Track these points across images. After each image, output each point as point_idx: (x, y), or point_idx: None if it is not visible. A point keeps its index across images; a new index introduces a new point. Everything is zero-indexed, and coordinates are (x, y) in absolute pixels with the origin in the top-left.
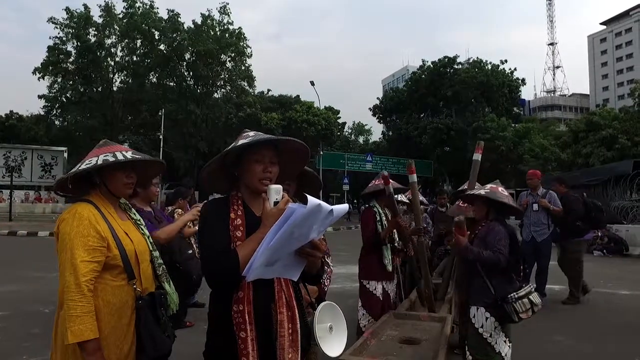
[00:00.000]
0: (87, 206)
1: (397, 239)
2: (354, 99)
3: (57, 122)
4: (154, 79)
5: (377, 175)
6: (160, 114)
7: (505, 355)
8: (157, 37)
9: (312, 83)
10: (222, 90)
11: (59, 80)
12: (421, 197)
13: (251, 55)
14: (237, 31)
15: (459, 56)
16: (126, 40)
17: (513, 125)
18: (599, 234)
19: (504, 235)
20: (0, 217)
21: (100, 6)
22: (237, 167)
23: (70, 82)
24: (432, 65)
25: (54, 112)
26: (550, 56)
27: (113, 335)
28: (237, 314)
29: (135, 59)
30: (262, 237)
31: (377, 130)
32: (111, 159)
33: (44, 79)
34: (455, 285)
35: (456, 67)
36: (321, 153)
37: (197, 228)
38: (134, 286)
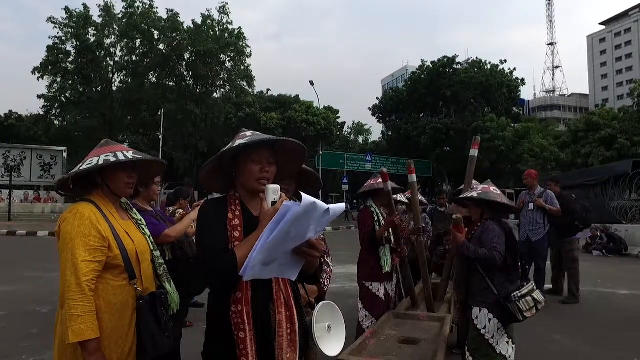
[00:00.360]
0: (88, 206)
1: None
2: (354, 99)
3: (56, 122)
4: (154, 79)
5: (372, 174)
6: (159, 113)
7: (510, 356)
8: (156, 37)
9: (312, 83)
10: (222, 90)
11: (59, 80)
12: (420, 197)
13: (250, 55)
14: (236, 31)
15: (458, 56)
16: (125, 40)
17: (512, 125)
18: (598, 233)
19: (498, 233)
20: None
21: (99, 6)
22: (234, 167)
23: (70, 82)
24: (431, 66)
25: (54, 111)
26: (549, 56)
27: (114, 335)
28: (236, 314)
29: (134, 58)
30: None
31: (376, 130)
32: (112, 159)
33: (43, 78)
34: (455, 284)
35: (456, 67)
36: (320, 153)
37: None
38: (135, 286)
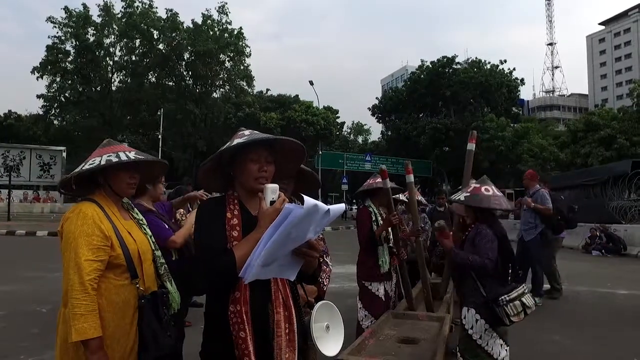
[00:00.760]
0: (91, 205)
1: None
2: (353, 99)
3: (55, 122)
4: (153, 79)
5: (372, 174)
6: (159, 113)
7: (503, 359)
8: (156, 37)
9: (311, 83)
10: (221, 89)
11: (58, 79)
12: (420, 197)
13: (250, 55)
14: (236, 31)
15: (457, 56)
16: (125, 40)
17: (512, 125)
18: (597, 233)
19: (491, 238)
20: None
21: (99, 5)
22: (233, 167)
23: (69, 82)
24: (431, 66)
25: (53, 111)
26: (549, 56)
27: (116, 334)
28: (234, 314)
29: (134, 58)
30: (258, 237)
31: (376, 130)
32: (114, 159)
33: (42, 78)
34: (455, 284)
35: (455, 67)
36: (320, 153)
37: None
38: (137, 285)
